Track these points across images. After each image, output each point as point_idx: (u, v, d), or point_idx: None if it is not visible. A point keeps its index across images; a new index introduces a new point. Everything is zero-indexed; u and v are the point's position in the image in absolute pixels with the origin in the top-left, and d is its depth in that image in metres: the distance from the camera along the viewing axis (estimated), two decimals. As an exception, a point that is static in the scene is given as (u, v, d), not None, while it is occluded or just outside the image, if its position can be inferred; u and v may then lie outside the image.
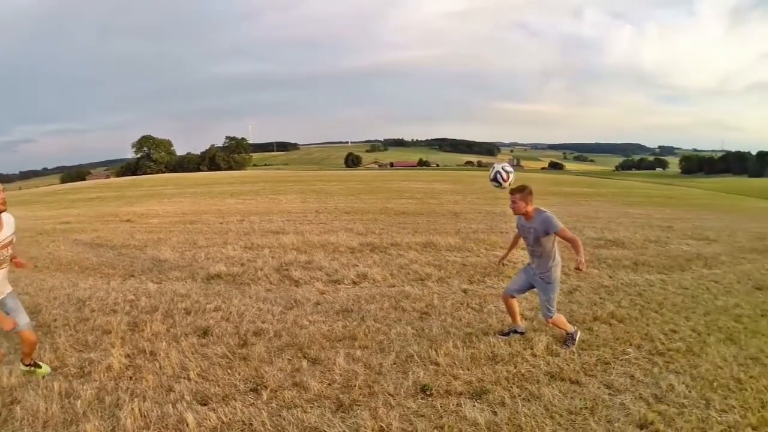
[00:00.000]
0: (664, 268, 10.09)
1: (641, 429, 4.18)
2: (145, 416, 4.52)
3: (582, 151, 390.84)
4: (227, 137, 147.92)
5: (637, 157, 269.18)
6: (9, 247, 4.97)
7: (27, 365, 5.55)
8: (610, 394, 4.76)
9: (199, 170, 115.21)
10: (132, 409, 4.59)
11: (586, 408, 4.50)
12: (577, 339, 5.99)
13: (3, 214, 4.79)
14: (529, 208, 5.64)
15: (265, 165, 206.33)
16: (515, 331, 6.23)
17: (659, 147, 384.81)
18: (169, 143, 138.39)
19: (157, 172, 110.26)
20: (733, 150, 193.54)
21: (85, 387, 5.11)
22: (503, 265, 7.02)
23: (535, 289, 6.04)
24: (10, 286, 5.16)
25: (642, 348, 5.87)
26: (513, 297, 6.16)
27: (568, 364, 5.37)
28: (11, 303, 5.11)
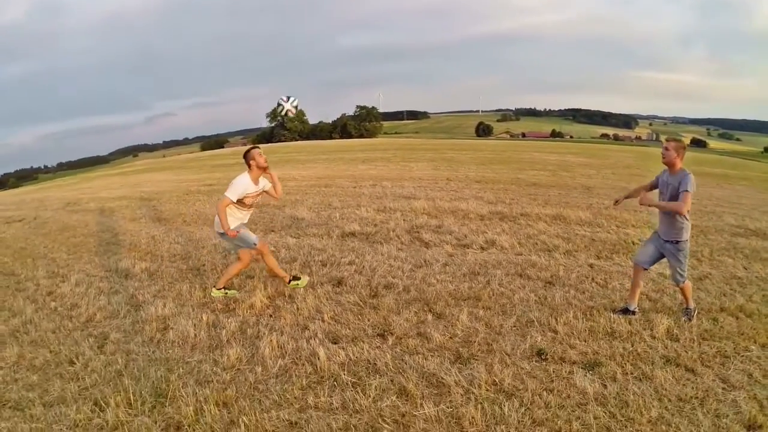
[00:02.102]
0: (808, 267, 9.35)
1: (748, 430, 3.99)
2: (281, 347, 5.20)
3: (727, 128, 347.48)
4: (358, 106, 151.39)
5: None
6: (260, 197, 6.75)
7: (288, 281, 7.07)
8: (723, 389, 4.54)
9: (331, 138, 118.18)
10: (270, 340, 5.29)
11: (697, 398, 4.37)
12: (694, 318, 5.91)
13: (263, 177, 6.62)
14: (678, 163, 5.62)
15: (396, 133, 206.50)
16: (627, 310, 6.11)
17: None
18: (302, 113, 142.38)
19: (291, 140, 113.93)
20: None
21: (229, 320, 5.93)
22: (616, 203, 6.80)
23: (664, 260, 5.97)
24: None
25: (766, 347, 5.42)
26: (643, 268, 6.07)
27: (686, 351, 5.19)
28: (244, 230, 6.54)
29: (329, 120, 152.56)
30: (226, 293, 6.73)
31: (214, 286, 6.79)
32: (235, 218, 6.45)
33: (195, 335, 5.54)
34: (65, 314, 6.54)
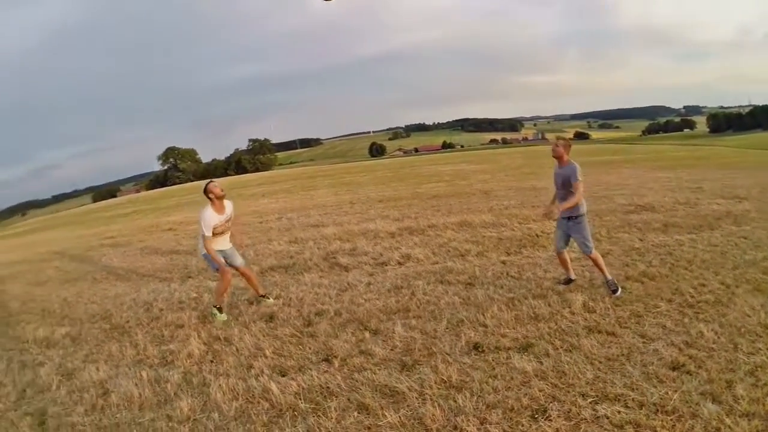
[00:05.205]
0: (694, 228, 10.19)
1: (674, 370, 4.56)
2: (232, 390, 5.12)
3: (606, 119, 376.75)
4: (250, 140, 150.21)
5: (663, 120, 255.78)
6: (230, 221, 7.47)
7: (260, 296, 8.03)
8: (644, 342, 5.19)
9: (226, 175, 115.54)
10: (220, 385, 5.20)
11: (623, 355, 4.96)
12: (618, 289, 6.57)
13: (225, 200, 7.36)
14: (565, 156, 6.52)
15: (291, 163, 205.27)
16: (569, 280, 7.08)
17: (684, 107, 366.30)
18: (194, 152, 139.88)
19: (186, 182, 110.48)
20: (761, 104, 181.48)
21: (171, 373, 5.73)
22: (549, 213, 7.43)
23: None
24: (229, 244, 7.67)
25: (673, 301, 6.21)
26: (562, 251, 6.95)
27: (603, 319, 5.84)
28: (219, 256, 7.30)
29: (223, 157, 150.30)
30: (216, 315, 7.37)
31: (213, 306, 7.56)
32: (216, 244, 7.24)
33: (140, 394, 5.29)
34: (-9, 396, 6.10)
